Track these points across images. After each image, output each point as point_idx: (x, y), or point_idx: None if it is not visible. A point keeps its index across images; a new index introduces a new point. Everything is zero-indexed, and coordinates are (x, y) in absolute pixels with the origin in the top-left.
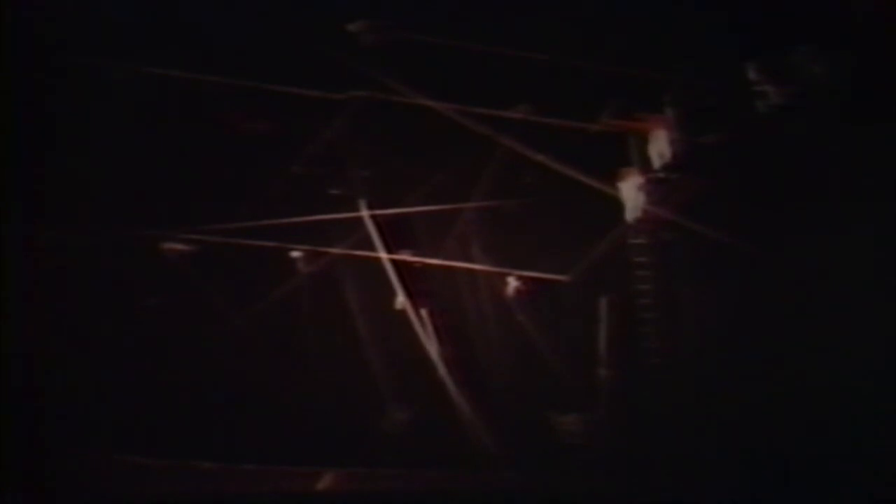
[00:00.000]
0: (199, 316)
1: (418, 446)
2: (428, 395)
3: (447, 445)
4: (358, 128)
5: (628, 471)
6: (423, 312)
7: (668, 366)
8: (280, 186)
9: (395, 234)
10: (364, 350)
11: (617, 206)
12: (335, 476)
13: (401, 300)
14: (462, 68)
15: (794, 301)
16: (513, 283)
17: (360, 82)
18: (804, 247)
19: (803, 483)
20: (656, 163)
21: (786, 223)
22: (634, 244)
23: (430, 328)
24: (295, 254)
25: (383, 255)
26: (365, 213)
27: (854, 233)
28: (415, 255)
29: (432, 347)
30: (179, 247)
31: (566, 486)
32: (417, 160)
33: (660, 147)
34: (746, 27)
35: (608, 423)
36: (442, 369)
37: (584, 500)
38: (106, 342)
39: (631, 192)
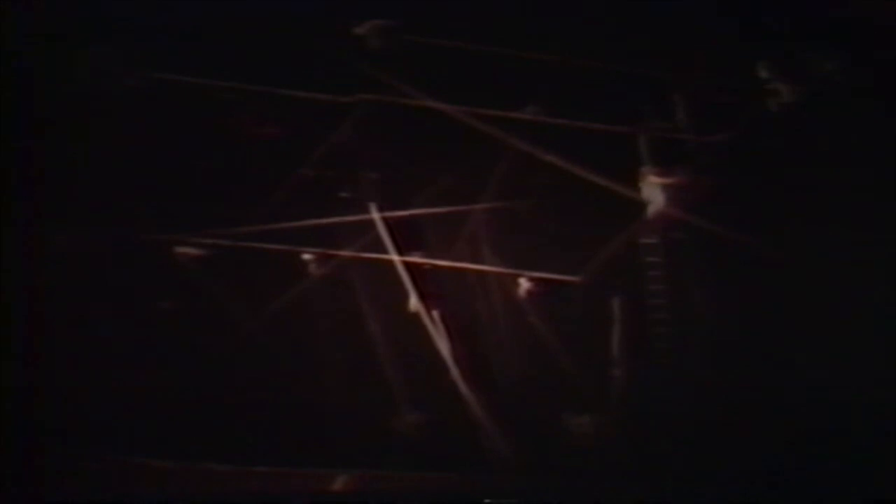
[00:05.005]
0: (212, 319)
1: (431, 448)
2: (441, 396)
3: (460, 447)
4: (367, 130)
5: (640, 471)
6: (436, 314)
7: (681, 366)
8: (290, 190)
9: (405, 236)
10: (376, 352)
11: (628, 205)
12: (348, 478)
13: (413, 302)
14: (470, 70)
15: (809, 301)
16: (524, 285)
17: (369, 85)
18: (818, 247)
19: (815, 485)
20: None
21: (799, 223)
22: (646, 244)
23: (442, 330)
24: (306, 257)
25: (394, 257)
26: (375, 215)
27: (869, 232)
28: (426, 256)
29: (445, 349)
30: (191, 250)
31: (578, 488)
32: (427, 162)
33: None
34: (758, 25)
35: (621, 424)
36: (454, 371)
37: (596, 501)
38: (119, 345)
39: (654, 192)
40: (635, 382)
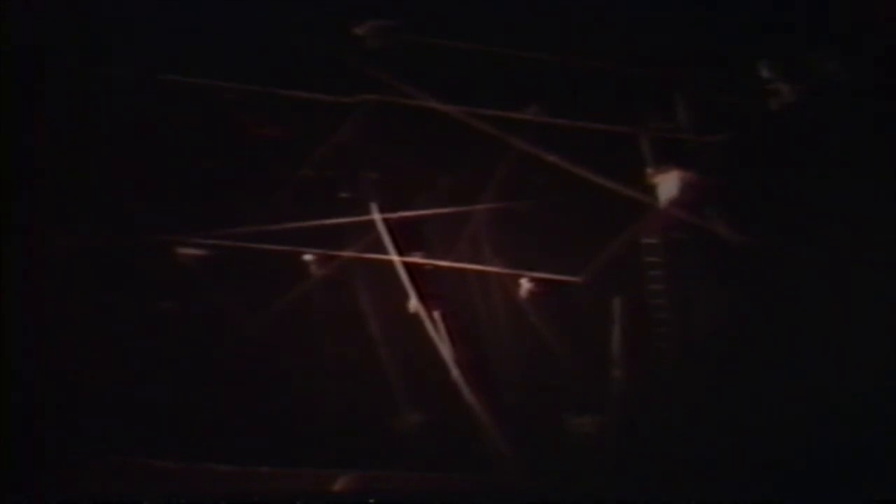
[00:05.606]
0: (213, 319)
1: (432, 448)
2: (441, 397)
3: (461, 447)
4: (368, 131)
5: (640, 471)
6: (436, 315)
7: (681, 366)
8: (291, 191)
9: (406, 237)
10: (377, 353)
11: (629, 205)
12: (349, 478)
13: (413, 303)
14: (470, 70)
15: (809, 301)
16: (525, 285)
17: (370, 85)
18: (819, 247)
19: (816, 484)
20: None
21: (800, 223)
22: (647, 244)
23: (442, 330)
24: (307, 257)
25: (395, 257)
26: (376, 215)
27: (870, 233)
28: (426, 257)
29: (445, 350)
30: (192, 251)
31: (579, 488)
32: (427, 162)
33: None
34: (759, 25)
35: (621, 424)
36: (455, 371)
37: (597, 502)
38: (120, 345)
39: (668, 190)
40: (636, 382)
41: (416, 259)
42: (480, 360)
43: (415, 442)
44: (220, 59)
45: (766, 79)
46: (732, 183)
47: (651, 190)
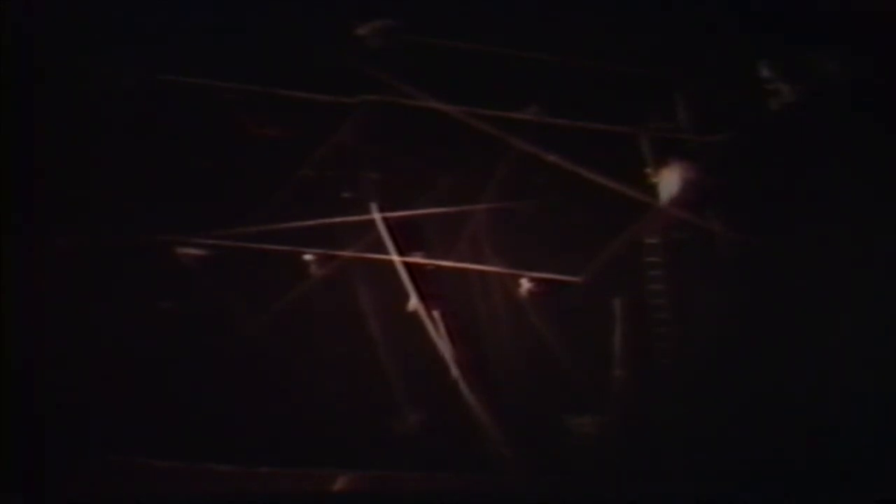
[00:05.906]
0: (212, 319)
1: (432, 449)
2: (441, 396)
3: (460, 448)
4: (368, 130)
5: (640, 471)
6: (436, 314)
7: (681, 366)
8: (291, 190)
9: (406, 237)
10: (377, 353)
11: (629, 205)
12: (349, 479)
13: (413, 302)
14: (470, 70)
15: (809, 301)
16: (525, 285)
17: (370, 85)
18: (819, 246)
19: (816, 484)
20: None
21: (800, 223)
22: (647, 244)
23: (442, 330)
24: (307, 257)
25: (395, 257)
26: (376, 215)
27: (870, 233)
28: (427, 257)
29: (445, 349)
30: (192, 251)
31: (579, 488)
32: (428, 162)
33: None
34: (759, 25)
35: (621, 424)
36: (455, 371)
37: (597, 502)
38: (120, 345)
39: (669, 189)
40: (636, 382)
41: (416, 259)
42: (480, 360)
43: (415, 442)
44: (220, 59)
45: (766, 79)
46: (732, 183)
47: (651, 190)
